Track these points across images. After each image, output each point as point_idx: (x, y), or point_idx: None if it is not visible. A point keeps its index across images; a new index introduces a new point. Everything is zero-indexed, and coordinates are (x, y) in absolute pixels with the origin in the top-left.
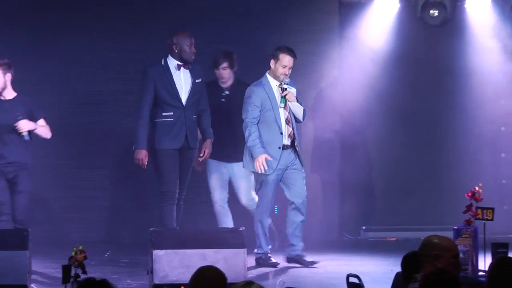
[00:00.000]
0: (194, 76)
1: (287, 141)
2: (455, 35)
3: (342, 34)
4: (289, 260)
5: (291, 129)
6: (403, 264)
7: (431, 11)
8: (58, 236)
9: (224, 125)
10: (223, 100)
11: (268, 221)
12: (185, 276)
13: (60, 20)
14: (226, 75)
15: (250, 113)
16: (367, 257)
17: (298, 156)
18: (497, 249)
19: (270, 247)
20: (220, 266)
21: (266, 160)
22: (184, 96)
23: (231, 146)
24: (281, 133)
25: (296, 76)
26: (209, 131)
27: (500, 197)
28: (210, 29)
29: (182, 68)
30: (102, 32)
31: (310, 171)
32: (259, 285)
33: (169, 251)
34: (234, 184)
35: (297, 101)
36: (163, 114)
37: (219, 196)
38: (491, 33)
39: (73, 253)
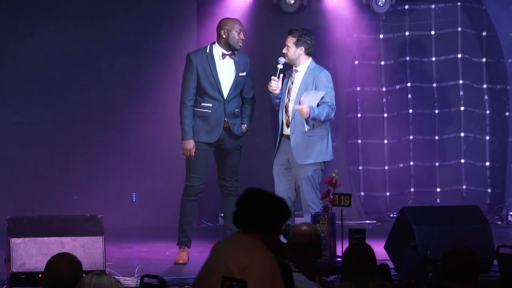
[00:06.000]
0: (238, 68)
1: (285, 131)
2: (310, 22)
3: (199, 21)
4: None
5: (287, 117)
6: None
7: None
8: None
9: None
10: None
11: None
12: (43, 264)
13: None
14: None
15: None
16: None
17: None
18: (355, 235)
19: None
20: (78, 253)
21: None
22: (225, 88)
23: None
24: (281, 121)
25: (153, 62)
26: (247, 119)
27: (356, 183)
28: (67, 15)
29: (227, 57)
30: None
31: None
32: (109, 276)
33: (27, 239)
34: None
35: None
36: (202, 104)
37: None
38: (346, 21)
39: None
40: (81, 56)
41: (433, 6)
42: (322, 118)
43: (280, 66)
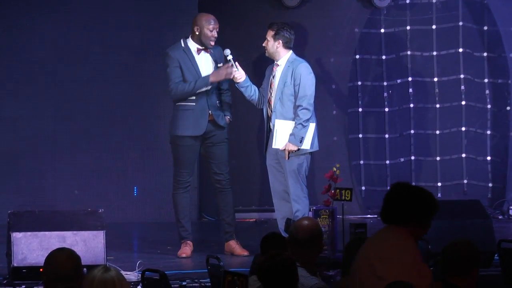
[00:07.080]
0: (215, 60)
1: (270, 125)
2: (312, 16)
3: None
4: None
5: (270, 112)
6: (262, 245)
7: None
8: None
9: None
10: None
11: (282, 208)
12: (44, 259)
13: None
14: None
15: None
16: None
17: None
18: (356, 229)
19: None
20: (79, 248)
21: None
22: None
23: None
24: (266, 115)
25: (154, 57)
26: (228, 110)
27: (357, 178)
28: (68, 10)
29: (202, 52)
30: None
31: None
32: (115, 270)
33: (28, 233)
34: None
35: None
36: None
37: None
38: (347, 15)
39: None
40: (82, 51)
41: (434, 1)
42: (306, 133)
43: (229, 57)
